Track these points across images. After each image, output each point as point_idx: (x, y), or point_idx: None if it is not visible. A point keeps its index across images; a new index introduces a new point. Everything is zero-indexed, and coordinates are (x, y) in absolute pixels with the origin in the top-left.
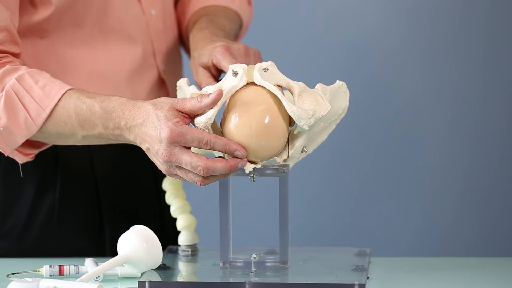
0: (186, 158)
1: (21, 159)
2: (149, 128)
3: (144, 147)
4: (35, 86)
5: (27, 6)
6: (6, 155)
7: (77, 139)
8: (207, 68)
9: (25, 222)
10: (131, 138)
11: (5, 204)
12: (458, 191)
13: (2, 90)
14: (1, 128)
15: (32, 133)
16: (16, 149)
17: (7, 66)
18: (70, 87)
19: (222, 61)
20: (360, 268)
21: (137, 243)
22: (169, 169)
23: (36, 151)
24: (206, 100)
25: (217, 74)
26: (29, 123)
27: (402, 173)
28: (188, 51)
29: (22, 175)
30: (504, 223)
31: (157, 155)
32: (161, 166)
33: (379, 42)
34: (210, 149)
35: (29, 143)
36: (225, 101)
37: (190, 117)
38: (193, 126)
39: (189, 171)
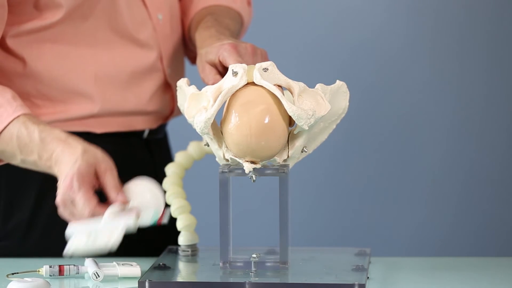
0: (75, 210)
1: None
2: (64, 166)
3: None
4: None
5: (31, 10)
6: None
7: (17, 161)
8: (213, 65)
9: (28, 222)
10: (56, 171)
11: (8, 204)
12: (458, 191)
13: None
14: None
15: None
16: None
17: None
18: (26, 112)
19: (228, 59)
20: (360, 268)
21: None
22: (65, 213)
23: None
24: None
25: (223, 71)
26: None
27: (402, 173)
28: (188, 50)
29: None
30: (504, 223)
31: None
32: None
33: (381, 43)
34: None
35: None
36: (225, 101)
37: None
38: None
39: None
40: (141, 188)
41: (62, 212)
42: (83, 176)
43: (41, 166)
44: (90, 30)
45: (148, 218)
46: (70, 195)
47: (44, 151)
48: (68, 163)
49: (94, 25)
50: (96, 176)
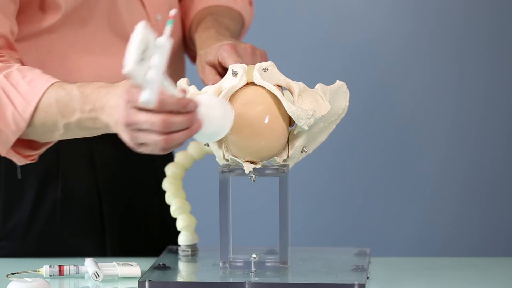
0: (143, 117)
1: (19, 160)
2: (114, 100)
3: (112, 121)
4: (22, 81)
5: (36, 12)
6: (2, 155)
7: (60, 131)
8: (213, 66)
9: (27, 222)
10: (103, 117)
11: (7, 204)
12: (459, 191)
13: None
14: None
15: (21, 129)
16: (14, 150)
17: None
18: (58, 80)
19: (227, 60)
20: (360, 268)
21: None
22: (132, 136)
23: (35, 153)
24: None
25: (223, 72)
26: (17, 119)
27: (403, 173)
28: (189, 50)
29: (20, 177)
30: (504, 223)
31: (118, 123)
32: (124, 136)
33: (381, 44)
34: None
35: (26, 144)
36: None
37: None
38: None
39: (149, 132)
40: (216, 104)
41: (128, 135)
42: (134, 91)
43: (86, 122)
44: (89, 34)
45: (206, 134)
46: (131, 104)
47: (86, 103)
48: (114, 98)
49: (93, 28)
50: None
